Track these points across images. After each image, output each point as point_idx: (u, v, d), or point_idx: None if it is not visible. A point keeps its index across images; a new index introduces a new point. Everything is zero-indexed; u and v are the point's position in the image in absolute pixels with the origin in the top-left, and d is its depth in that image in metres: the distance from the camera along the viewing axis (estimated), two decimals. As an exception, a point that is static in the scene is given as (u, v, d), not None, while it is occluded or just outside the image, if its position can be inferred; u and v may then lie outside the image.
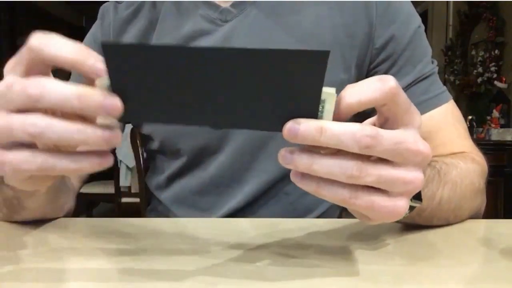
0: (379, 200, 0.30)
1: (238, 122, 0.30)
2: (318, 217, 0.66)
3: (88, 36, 0.68)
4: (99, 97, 0.27)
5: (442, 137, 0.58)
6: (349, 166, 0.28)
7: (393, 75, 0.59)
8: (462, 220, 0.53)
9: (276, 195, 0.64)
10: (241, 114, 0.29)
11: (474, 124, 3.20)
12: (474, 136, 3.08)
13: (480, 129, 3.09)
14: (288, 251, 0.41)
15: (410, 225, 0.50)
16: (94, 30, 0.68)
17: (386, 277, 0.35)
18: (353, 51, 0.59)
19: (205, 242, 0.44)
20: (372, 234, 0.48)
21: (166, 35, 0.63)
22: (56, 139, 0.28)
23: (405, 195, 0.31)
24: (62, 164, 0.29)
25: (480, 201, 0.55)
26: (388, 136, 0.29)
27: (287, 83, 0.27)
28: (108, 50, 0.26)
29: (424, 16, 4.26)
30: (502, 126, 3.06)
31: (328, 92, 0.28)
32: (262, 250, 0.41)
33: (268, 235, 0.46)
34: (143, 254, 0.40)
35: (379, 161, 0.30)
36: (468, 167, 0.53)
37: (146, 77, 0.27)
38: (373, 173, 0.29)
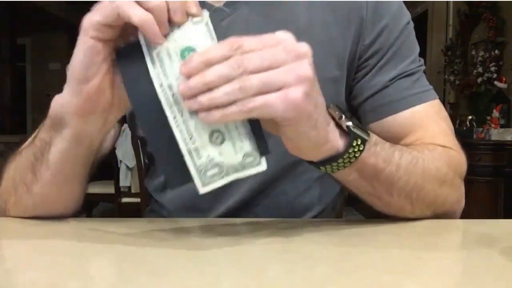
0: (271, 95, 0.36)
1: None
2: (316, 216, 0.66)
3: None
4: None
5: (424, 132, 0.58)
6: (230, 65, 0.35)
7: (380, 68, 0.60)
8: (429, 206, 0.52)
9: (274, 194, 0.64)
10: None
11: (474, 124, 3.20)
12: (474, 136, 3.08)
13: (480, 129, 3.09)
14: (287, 250, 0.41)
15: (409, 226, 0.50)
16: None
17: (385, 275, 0.35)
18: (346, 48, 0.60)
19: (204, 242, 0.44)
20: (371, 234, 0.48)
21: None
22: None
23: (295, 84, 0.36)
24: (135, 11, 0.37)
25: (447, 192, 0.53)
26: (254, 55, 0.36)
27: None
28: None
29: (424, 16, 4.26)
30: (502, 126, 3.06)
31: None
32: (261, 250, 0.41)
33: (267, 235, 0.46)
34: (142, 254, 0.40)
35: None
36: (434, 155, 0.53)
37: None
38: (254, 80, 0.35)
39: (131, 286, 0.33)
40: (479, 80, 3.39)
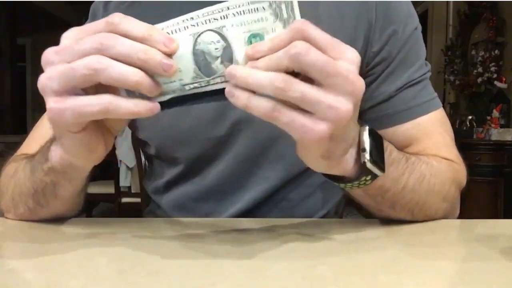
0: (300, 117, 0.32)
1: None
2: None
3: None
4: (160, 56, 0.33)
5: (427, 143, 0.57)
6: (277, 78, 0.31)
7: (385, 77, 0.58)
8: (428, 218, 0.52)
9: (277, 201, 0.63)
10: None
11: (474, 124, 3.19)
12: (474, 136, 3.08)
13: (480, 129, 3.09)
14: (288, 250, 0.41)
15: (409, 226, 0.50)
16: None
17: (386, 275, 0.35)
18: None
19: (204, 242, 0.44)
20: (372, 234, 0.48)
21: None
22: (117, 77, 0.32)
23: (328, 120, 0.33)
24: (126, 105, 0.33)
25: (446, 207, 0.53)
26: (319, 52, 0.32)
27: None
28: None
29: (424, 16, 4.26)
30: (502, 126, 3.06)
31: None
32: (263, 250, 0.41)
33: (268, 235, 0.46)
34: (142, 254, 0.40)
35: (308, 82, 0.32)
36: (440, 168, 0.52)
37: None
38: (298, 89, 0.32)
39: (131, 286, 0.33)
40: (479, 80, 3.39)
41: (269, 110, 0.32)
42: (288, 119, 0.33)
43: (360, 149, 0.41)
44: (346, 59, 0.33)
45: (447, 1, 4.07)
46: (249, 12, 0.34)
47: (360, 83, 0.33)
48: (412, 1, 0.60)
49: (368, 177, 0.42)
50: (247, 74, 0.32)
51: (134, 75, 0.33)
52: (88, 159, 0.40)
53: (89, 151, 0.39)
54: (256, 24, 0.34)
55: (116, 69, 0.32)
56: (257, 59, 0.33)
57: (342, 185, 0.44)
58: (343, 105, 0.32)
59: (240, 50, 0.34)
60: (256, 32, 0.34)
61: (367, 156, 0.40)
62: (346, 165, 0.41)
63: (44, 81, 0.34)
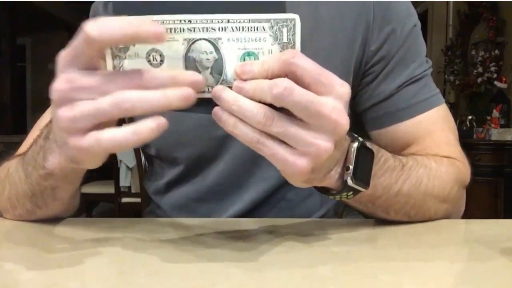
0: (282, 151, 0.33)
1: None
2: None
3: None
4: (189, 75, 0.32)
5: (429, 141, 0.57)
6: (259, 112, 0.32)
7: (385, 75, 0.58)
8: (426, 219, 0.52)
9: (277, 201, 0.63)
10: None
11: (474, 124, 3.20)
12: (474, 136, 3.08)
13: (480, 129, 3.09)
14: (287, 250, 0.41)
15: (409, 226, 0.50)
16: None
17: (385, 276, 0.35)
18: (352, 55, 0.59)
19: (204, 242, 0.44)
20: (372, 234, 0.48)
21: None
22: (147, 108, 0.31)
23: (308, 156, 0.34)
24: (147, 130, 0.32)
25: (446, 208, 0.53)
26: (303, 92, 0.32)
27: None
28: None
29: (424, 16, 4.26)
30: (502, 126, 3.06)
31: None
32: (263, 250, 0.41)
33: (267, 235, 0.46)
34: (142, 254, 0.40)
35: (292, 118, 0.33)
36: (440, 170, 0.52)
37: None
38: (279, 125, 0.32)
39: (131, 286, 0.33)
40: (479, 80, 3.39)
41: (253, 141, 0.33)
42: (271, 152, 0.34)
43: (345, 167, 0.42)
44: (334, 95, 0.33)
45: (447, 1, 4.07)
46: (248, 30, 0.34)
47: (343, 122, 0.34)
48: (412, 1, 0.60)
49: (350, 193, 0.43)
50: (233, 100, 0.33)
51: (163, 99, 0.31)
52: (97, 163, 0.39)
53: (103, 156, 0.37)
54: (253, 43, 0.34)
55: (145, 102, 0.31)
56: (245, 79, 0.33)
57: (325, 195, 0.44)
58: (323, 143, 0.33)
59: (231, 66, 0.34)
60: (251, 51, 0.34)
61: (350, 174, 0.41)
62: (330, 180, 0.42)
63: (68, 122, 0.32)
